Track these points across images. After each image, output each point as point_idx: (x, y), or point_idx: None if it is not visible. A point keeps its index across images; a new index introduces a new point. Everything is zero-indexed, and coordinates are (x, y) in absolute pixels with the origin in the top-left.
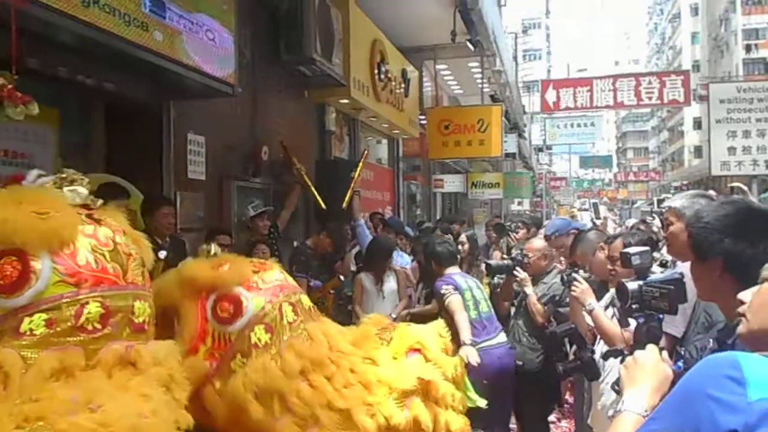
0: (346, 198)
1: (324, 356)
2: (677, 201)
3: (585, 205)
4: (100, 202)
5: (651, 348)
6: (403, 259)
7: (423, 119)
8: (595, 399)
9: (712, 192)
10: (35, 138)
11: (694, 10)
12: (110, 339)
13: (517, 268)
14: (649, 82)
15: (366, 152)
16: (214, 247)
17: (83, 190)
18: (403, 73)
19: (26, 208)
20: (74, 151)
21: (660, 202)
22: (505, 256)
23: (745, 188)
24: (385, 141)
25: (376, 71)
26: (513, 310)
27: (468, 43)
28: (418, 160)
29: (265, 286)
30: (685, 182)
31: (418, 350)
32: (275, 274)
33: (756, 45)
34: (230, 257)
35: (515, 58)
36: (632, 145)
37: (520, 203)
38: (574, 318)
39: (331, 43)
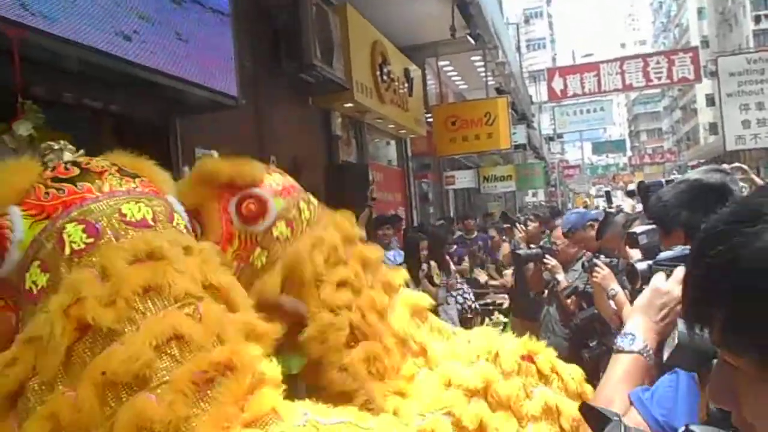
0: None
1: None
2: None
3: (601, 191)
4: (81, 151)
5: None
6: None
7: (429, 117)
8: None
9: (725, 165)
10: None
11: None
12: (107, 247)
13: (547, 255)
14: (657, 62)
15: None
16: None
17: (67, 154)
18: (406, 72)
19: None
20: None
21: (669, 182)
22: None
23: (746, 167)
24: (393, 142)
25: (378, 73)
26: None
27: (469, 37)
28: (428, 158)
29: (279, 187)
30: (701, 161)
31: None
32: (281, 176)
33: (766, 15)
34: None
35: (518, 48)
36: (645, 127)
37: (534, 194)
38: (599, 304)
39: (331, 48)
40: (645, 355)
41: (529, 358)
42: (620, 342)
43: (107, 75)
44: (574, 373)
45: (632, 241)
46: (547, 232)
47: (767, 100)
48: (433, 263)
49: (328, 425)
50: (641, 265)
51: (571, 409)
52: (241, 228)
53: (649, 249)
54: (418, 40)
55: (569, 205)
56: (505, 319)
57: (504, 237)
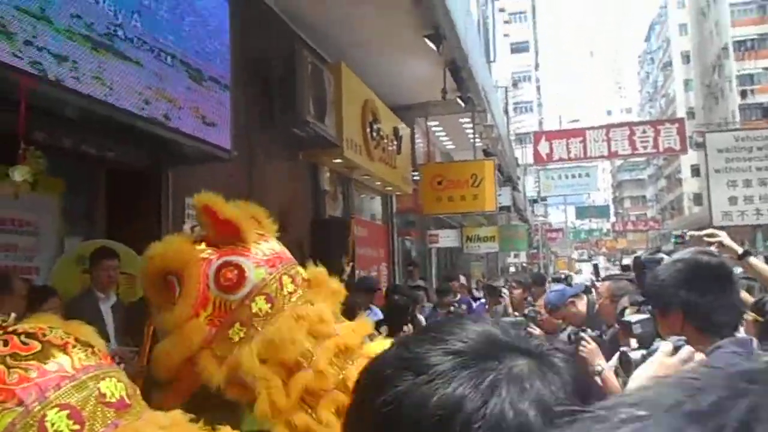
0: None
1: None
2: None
3: (583, 255)
4: (13, 315)
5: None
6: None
7: (416, 175)
8: None
9: (712, 248)
10: (41, 207)
11: (686, 58)
12: None
13: (531, 325)
14: (644, 131)
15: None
16: None
17: None
18: (395, 131)
19: None
20: (78, 219)
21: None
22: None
23: (695, 233)
24: (378, 198)
25: (368, 130)
26: None
27: (459, 100)
28: (413, 216)
29: (265, 257)
30: (685, 230)
31: None
32: (273, 244)
33: (752, 90)
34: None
35: (506, 111)
36: (629, 194)
37: (516, 255)
38: (606, 385)
39: (324, 104)
40: None
41: None
42: None
43: (105, 123)
44: None
45: (626, 329)
46: (530, 299)
47: (754, 178)
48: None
49: None
50: (635, 355)
51: None
52: (216, 294)
53: (643, 338)
54: (408, 100)
55: (551, 268)
56: None
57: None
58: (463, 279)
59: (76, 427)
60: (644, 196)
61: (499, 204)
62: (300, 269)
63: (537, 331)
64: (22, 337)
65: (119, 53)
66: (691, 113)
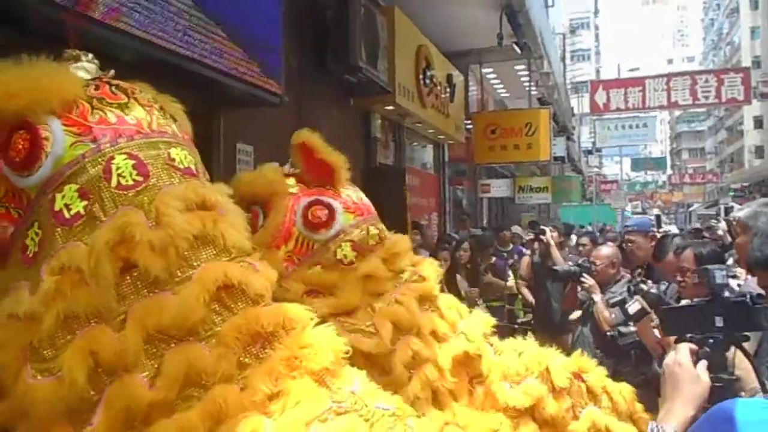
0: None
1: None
2: (743, 211)
3: (637, 208)
4: (112, 72)
5: (684, 355)
6: None
7: (469, 124)
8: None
9: None
10: None
11: (754, 4)
12: (157, 189)
13: (585, 274)
14: (706, 81)
15: None
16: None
17: (91, 66)
18: (449, 78)
19: (24, 75)
20: None
21: (728, 210)
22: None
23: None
24: (430, 146)
25: (421, 77)
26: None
27: (515, 46)
28: (464, 165)
29: (354, 204)
30: (745, 184)
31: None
32: (360, 194)
33: None
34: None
35: (563, 59)
36: (687, 146)
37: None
38: (642, 330)
39: (377, 50)
40: None
41: (579, 376)
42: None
43: (157, 66)
44: (624, 391)
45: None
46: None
47: None
48: (459, 276)
49: (371, 408)
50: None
51: (620, 429)
52: (302, 231)
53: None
54: (463, 46)
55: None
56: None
57: (525, 249)
58: (518, 228)
59: (140, 178)
60: (703, 149)
61: (553, 154)
62: (383, 226)
63: (590, 281)
64: (113, 88)
65: None
66: (756, 62)
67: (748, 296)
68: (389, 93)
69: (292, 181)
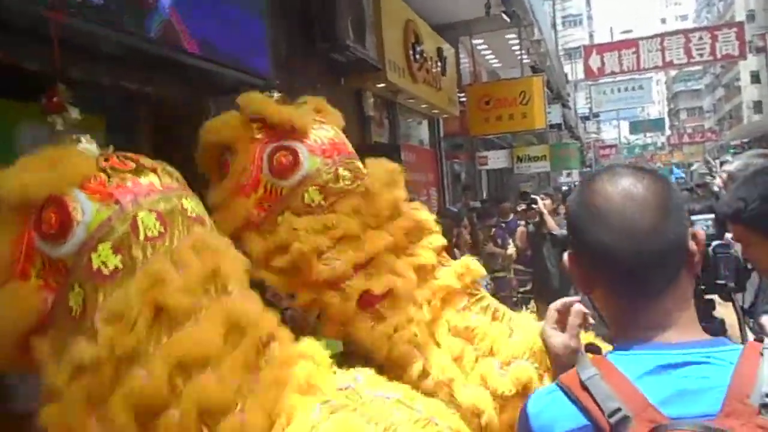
0: None
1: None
2: (734, 164)
3: None
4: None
5: (548, 324)
6: None
7: (462, 96)
8: None
9: None
10: None
11: None
12: (176, 238)
13: None
14: (700, 38)
15: None
16: None
17: (91, 144)
18: (439, 51)
19: (43, 161)
20: None
21: (722, 164)
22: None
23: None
24: (425, 122)
25: (410, 52)
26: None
27: (504, 15)
28: (461, 139)
29: (323, 145)
30: (744, 140)
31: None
32: (333, 133)
33: None
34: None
35: (554, 25)
36: (685, 106)
37: (569, 174)
38: None
39: (364, 27)
40: None
41: None
42: None
43: (144, 58)
44: None
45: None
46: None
47: None
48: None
49: (371, 397)
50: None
51: None
52: (268, 178)
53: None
54: (451, 18)
55: None
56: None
57: (519, 219)
58: None
59: (162, 228)
60: (701, 107)
61: (549, 122)
62: (360, 164)
63: None
64: (120, 158)
65: None
66: (751, 16)
67: (711, 247)
68: (379, 70)
69: (257, 126)
